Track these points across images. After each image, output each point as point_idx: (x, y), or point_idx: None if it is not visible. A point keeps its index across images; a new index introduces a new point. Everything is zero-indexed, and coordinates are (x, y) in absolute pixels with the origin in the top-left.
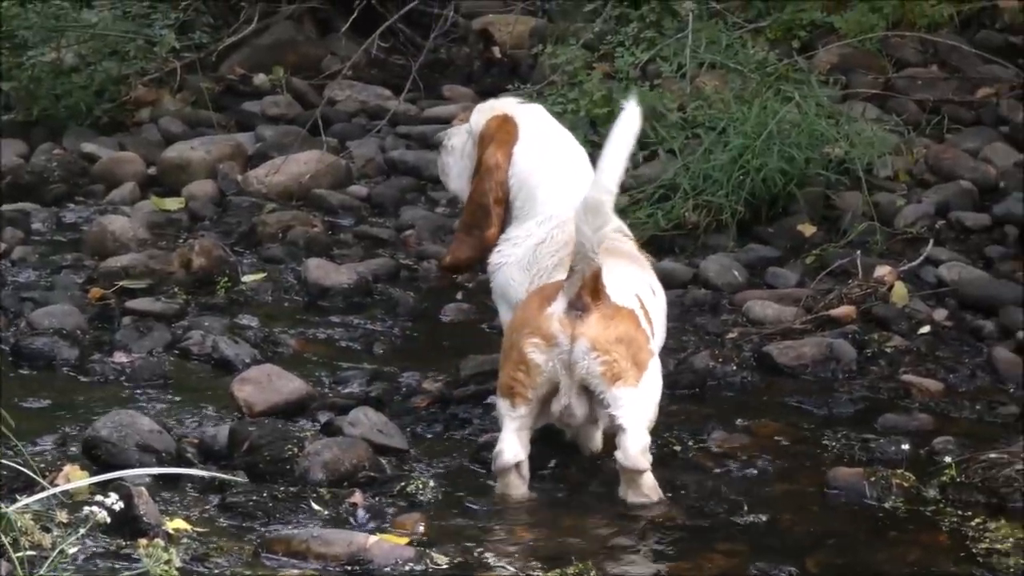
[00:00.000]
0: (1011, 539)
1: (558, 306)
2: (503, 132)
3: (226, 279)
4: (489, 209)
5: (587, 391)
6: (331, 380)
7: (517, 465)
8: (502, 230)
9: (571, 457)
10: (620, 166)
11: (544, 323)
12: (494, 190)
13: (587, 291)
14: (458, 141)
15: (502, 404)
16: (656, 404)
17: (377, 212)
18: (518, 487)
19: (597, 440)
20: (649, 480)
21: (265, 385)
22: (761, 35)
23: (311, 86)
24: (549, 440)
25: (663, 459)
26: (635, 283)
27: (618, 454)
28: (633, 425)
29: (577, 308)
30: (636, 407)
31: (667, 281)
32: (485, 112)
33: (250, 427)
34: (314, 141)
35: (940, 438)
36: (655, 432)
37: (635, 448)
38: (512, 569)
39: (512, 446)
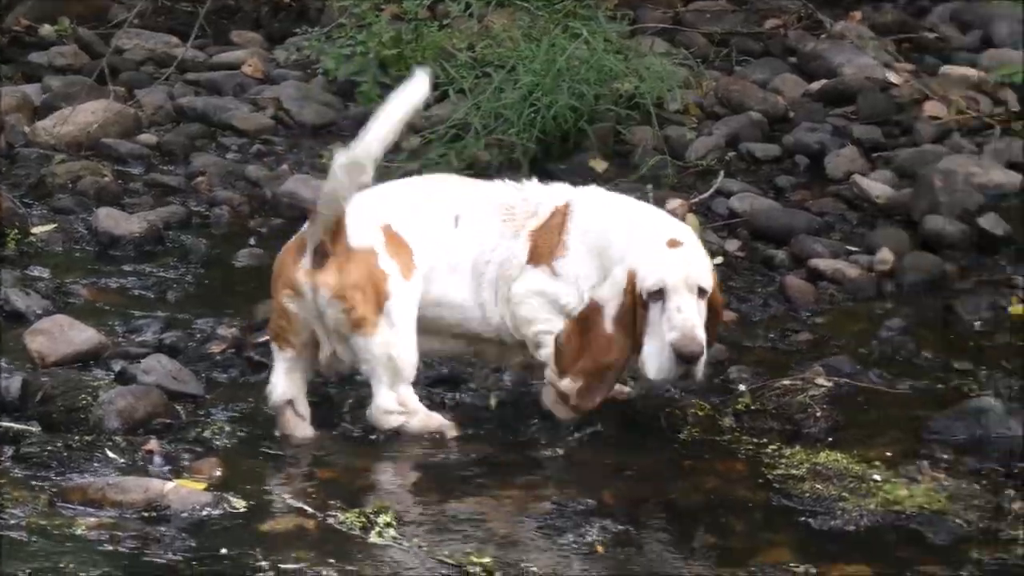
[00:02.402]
0: (805, 464)
1: (306, 257)
2: None
3: (16, 231)
4: None
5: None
6: (124, 329)
7: (291, 402)
8: None
9: (367, 399)
10: (391, 132)
11: (291, 274)
12: None
13: (330, 237)
14: None
15: (273, 346)
16: (406, 342)
17: (167, 160)
18: (297, 425)
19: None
20: (415, 426)
21: (57, 336)
22: None
23: (98, 35)
24: (341, 382)
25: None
26: (391, 213)
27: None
28: (376, 385)
29: (320, 255)
30: (377, 359)
31: None
32: None
33: (43, 377)
34: (102, 90)
35: (734, 367)
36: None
37: (376, 412)
38: (310, 510)
39: (281, 384)
